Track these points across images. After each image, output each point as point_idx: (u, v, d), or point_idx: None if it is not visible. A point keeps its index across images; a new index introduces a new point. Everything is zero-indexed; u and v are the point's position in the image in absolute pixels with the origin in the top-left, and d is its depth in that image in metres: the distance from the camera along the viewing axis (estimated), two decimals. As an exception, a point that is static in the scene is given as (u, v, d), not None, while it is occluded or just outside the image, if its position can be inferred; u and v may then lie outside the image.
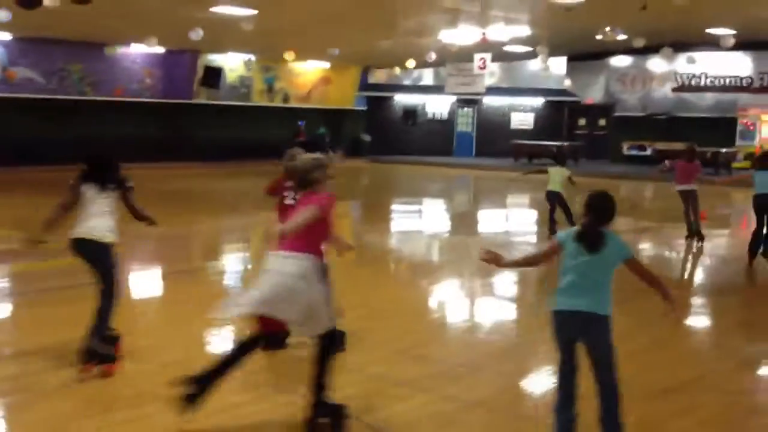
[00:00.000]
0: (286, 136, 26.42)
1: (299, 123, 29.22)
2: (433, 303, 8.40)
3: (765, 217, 9.92)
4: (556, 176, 12.31)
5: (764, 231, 9.95)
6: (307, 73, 30.08)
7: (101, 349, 5.41)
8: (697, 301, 8.56)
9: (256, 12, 16.94)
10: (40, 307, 7.38)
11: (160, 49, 24.34)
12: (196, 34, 17.77)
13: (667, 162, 13.20)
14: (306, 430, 4.54)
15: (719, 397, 5.26)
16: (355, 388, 5.25)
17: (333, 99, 30.97)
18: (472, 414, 4.89)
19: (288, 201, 6.14)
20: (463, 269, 9.96)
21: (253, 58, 27.89)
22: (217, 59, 26.74)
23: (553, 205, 12.31)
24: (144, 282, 8.92)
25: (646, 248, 12.50)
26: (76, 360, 5.36)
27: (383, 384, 5.36)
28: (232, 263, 10.43)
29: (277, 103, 29.29)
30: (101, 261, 5.52)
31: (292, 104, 29.75)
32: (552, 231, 12.09)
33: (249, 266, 10.27)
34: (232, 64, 27.54)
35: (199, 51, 25.46)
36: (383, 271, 9.85)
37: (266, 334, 5.02)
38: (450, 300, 8.50)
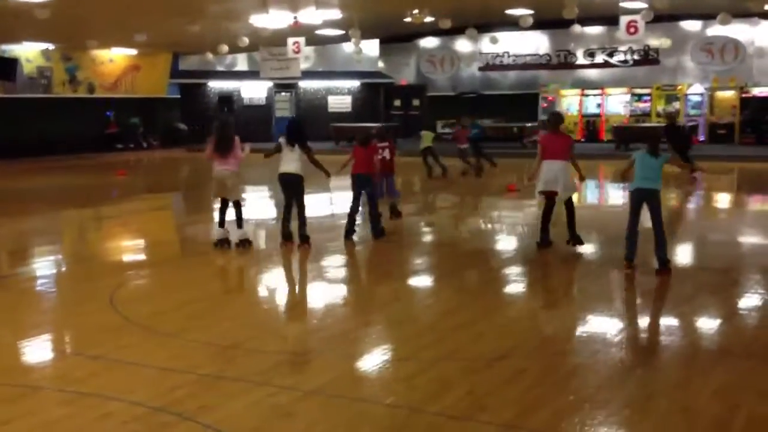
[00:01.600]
0: (94, 127, 25.08)
1: (107, 114, 27.83)
2: (263, 293, 8.29)
3: None
4: (427, 137, 17.55)
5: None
6: (113, 61, 28.60)
7: (305, 233, 9.85)
8: (515, 269, 9.01)
9: (51, -2, 15.86)
10: None
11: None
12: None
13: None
14: (571, 243, 9.40)
15: (543, 360, 5.56)
16: (188, 388, 5.08)
17: (144, 87, 29.67)
18: (311, 402, 4.86)
19: (381, 155, 11.76)
20: (292, 255, 9.90)
21: (52, 47, 26.11)
22: (11, 50, 24.80)
23: (425, 156, 17.58)
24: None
25: (465, 221, 13.00)
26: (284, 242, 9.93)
27: (218, 382, 5.21)
28: (44, 268, 9.73)
29: (82, 93, 27.64)
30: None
31: (99, 94, 28.20)
32: (429, 174, 17.70)
33: (63, 269, 9.67)
34: (29, 54, 25.66)
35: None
36: (210, 264, 9.58)
37: (551, 201, 9.42)
38: (282, 288, 8.42)
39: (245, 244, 9.90)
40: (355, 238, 10.41)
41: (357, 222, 10.78)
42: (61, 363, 5.86)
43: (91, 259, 10.16)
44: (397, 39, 30.54)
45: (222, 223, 9.97)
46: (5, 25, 17.84)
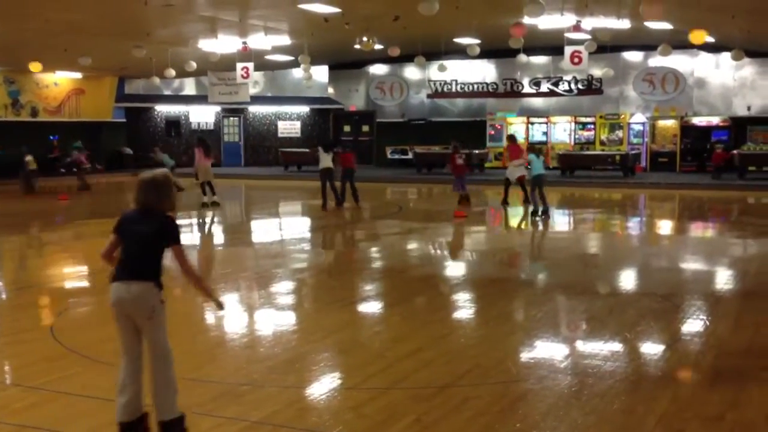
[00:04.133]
0: (37, 152, 24.53)
1: (52, 138, 27.29)
2: (209, 320, 8.16)
3: None
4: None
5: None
6: (57, 84, 28.12)
7: (339, 201, 17.58)
8: (463, 295, 9.06)
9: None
10: None
11: None
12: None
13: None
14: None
15: (490, 388, 5.58)
16: (131, 420, 4.95)
17: (88, 111, 29.22)
18: (257, 433, 4.79)
19: (459, 161, 17.39)
20: (239, 282, 9.80)
21: (-7, 68, 25.59)
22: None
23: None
24: None
25: (414, 247, 13.05)
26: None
27: (162, 413, 5.09)
28: (-19, 296, 9.44)
29: (25, 117, 27.09)
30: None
31: (43, 118, 27.66)
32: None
33: (2, 296, 9.38)
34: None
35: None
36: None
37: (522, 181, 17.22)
38: (228, 316, 8.30)
39: (216, 204, 17.91)
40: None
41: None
42: (-3, 395, 5.67)
43: (31, 287, 9.89)
44: (347, 65, 30.70)
45: (204, 193, 17.88)
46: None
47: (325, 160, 17.19)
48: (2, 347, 6.90)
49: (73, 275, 11.03)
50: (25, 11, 15.70)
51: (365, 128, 31.97)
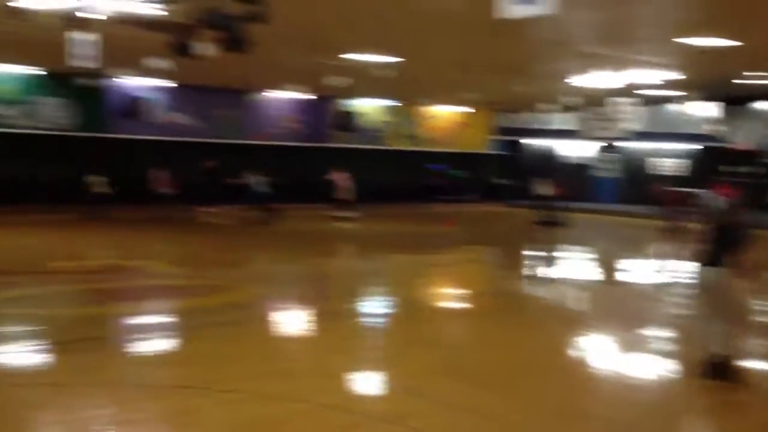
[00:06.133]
0: (419, 179, 26.47)
1: (442, 167, 29.07)
2: (589, 356, 8.00)
3: None
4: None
5: None
6: (442, 117, 30.33)
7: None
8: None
9: (399, 59, 17.16)
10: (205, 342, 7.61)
11: (301, 96, 25.33)
12: (339, 81, 18.08)
13: None
14: None
15: None
16: None
17: (466, 143, 30.98)
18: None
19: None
20: (616, 319, 9.50)
21: (389, 103, 28.40)
22: (351, 104, 27.54)
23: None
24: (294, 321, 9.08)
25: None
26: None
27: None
28: (376, 306, 10.35)
29: (412, 146, 29.60)
30: None
31: (426, 148, 29.96)
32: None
33: (392, 309, 10.16)
34: (367, 108, 28.18)
35: (334, 96, 26.25)
36: (532, 322, 9.51)
37: None
38: (606, 352, 8.08)
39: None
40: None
41: None
42: (389, 398, 6.13)
43: (419, 303, 10.62)
44: (735, 101, 28.45)
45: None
46: (352, 82, 19.63)
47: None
48: (392, 355, 7.43)
49: (453, 296, 11.66)
50: (418, 51, 17.03)
51: (753, 169, 29.21)
